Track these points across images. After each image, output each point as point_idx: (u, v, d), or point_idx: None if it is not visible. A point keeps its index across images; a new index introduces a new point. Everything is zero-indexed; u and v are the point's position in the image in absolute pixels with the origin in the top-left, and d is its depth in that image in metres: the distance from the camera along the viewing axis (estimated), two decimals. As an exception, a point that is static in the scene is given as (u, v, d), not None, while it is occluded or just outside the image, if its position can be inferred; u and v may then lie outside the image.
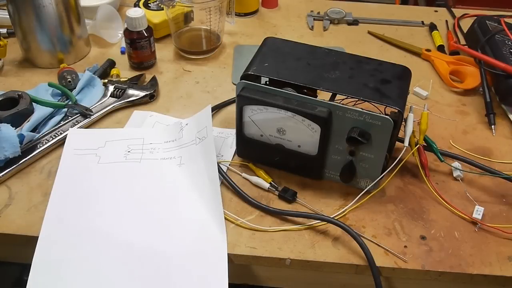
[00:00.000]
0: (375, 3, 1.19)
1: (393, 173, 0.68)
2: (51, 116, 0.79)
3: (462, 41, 1.03)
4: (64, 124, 0.78)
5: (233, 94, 0.71)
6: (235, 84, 0.67)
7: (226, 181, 0.70)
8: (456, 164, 0.73)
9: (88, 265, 0.60)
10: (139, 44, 0.88)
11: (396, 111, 0.64)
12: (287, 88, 0.66)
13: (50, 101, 0.81)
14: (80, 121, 0.79)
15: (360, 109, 0.63)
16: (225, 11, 0.96)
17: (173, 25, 0.94)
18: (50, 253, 0.61)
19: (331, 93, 0.66)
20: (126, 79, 0.88)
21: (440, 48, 1.00)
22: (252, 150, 0.73)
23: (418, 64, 0.97)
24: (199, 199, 0.67)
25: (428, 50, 0.98)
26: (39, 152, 0.73)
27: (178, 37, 0.96)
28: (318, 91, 0.67)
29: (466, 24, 1.04)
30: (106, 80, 0.87)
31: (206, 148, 0.71)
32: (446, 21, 1.10)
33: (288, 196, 0.68)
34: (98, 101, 0.83)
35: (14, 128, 0.72)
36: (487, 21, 0.97)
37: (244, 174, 0.72)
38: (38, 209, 0.66)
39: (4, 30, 0.97)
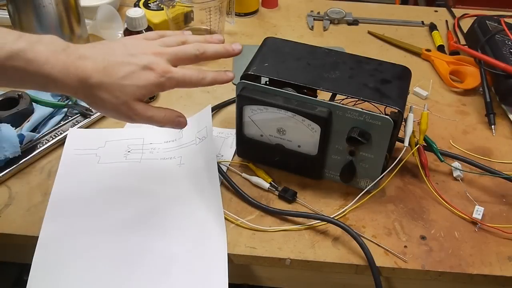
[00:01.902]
0: (375, 3, 1.20)
1: (393, 173, 0.68)
2: (51, 116, 0.79)
3: (462, 41, 1.03)
4: (64, 124, 0.78)
5: (233, 94, 0.71)
6: (235, 84, 0.67)
7: (226, 181, 0.70)
8: (456, 164, 0.73)
9: (88, 265, 0.60)
10: (139, 44, 0.88)
11: (396, 111, 0.64)
12: (287, 88, 0.66)
13: (50, 101, 0.81)
14: (80, 121, 0.79)
15: (360, 109, 0.63)
16: (225, 11, 0.96)
17: (173, 25, 0.94)
18: (50, 253, 0.61)
19: (331, 93, 0.66)
20: (126, 79, 0.88)
21: (440, 48, 1.00)
22: (252, 150, 0.73)
23: (418, 64, 0.97)
24: (199, 199, 0.67)
25: (428, 50, 0.98)
26: (39, 152, 0.73)
27: (178, 37, 0.96)
28: (318, 91, 0.67)
29: (466, 24, 1.04)
30: (106, 80, 0.87)
31: (206, 148, 0.71)
32: (446, 21, 1.10)
33: (288, 196, 0.68)
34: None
35: (14, 128, 0.72)
36: (487, 21, 0.97)
37: (244, 174, 0.72)
38: (38, 209, 0.66)
39: (4, 30, 0.97)
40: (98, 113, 0.80)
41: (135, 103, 0.56)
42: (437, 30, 1.05)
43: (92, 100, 0.56)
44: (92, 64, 0.54)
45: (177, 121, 0.61)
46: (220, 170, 0.71)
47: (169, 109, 0.61)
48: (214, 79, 0.61)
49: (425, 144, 0.72)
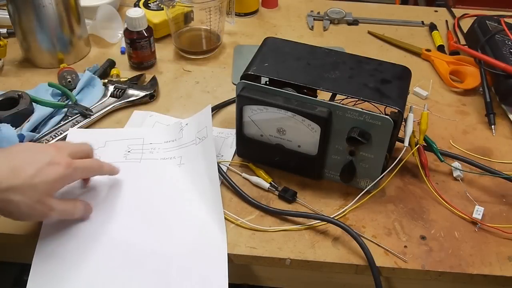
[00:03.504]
0: (375, 3, 1.19)
1: (393, 173, 0.68)
2: (51, 116, 0.79)
3: (462, 41, 1.03)
4: (64, 124, 0.78)
5: (233, 94, 0.71)
6: (235, 84, 0.67)
7: (226, 181, 0.70)
8: (456, 164, 0.73)
9: (88, 265, 0.60)
10: (139, 44, 0.88)
11: (396, 111, 0.64)
12: (287, 88, 0.66)
13: (50, 101, 0.81)
14: (80, 121, 0.79)
15: (360, 109, 0.63)
16: (225, 11, 0.96)
17: (173, 25, 0.94)
18: (50, 253, 0.61)
19: (331, 93, 0.66)
20: (126, 79, 0.88)
21: (440, 48, 1.00)
22: (252, 150, 0.73)
23: (418, 64, 0.97)
24: (199, 199, 0.67)
25: (428, 50, 0.98)
26: (39, 152, 0.73)
27: (178, 37, 0.96)
28: (318, 91, 0.67)
29: (466, 24, 1.04)
30: (106, 80, 0.87)
31: (206, 148, 0.71)
32: (446, 21, 1.10)
33: (288, 196, 0.68)
34: (98, 101, 0.83)
35: (14, 128, 0.72)
36: (487, 21, 0.97)
37: (244, 174, 0.72)
38: (38, 209, 0.66)
39: (4, 30, 0.97)
40: (98, 113, 0.80)
41: (49, 199, 0.57)
42: (437, 30, 1.05)
43: (4, 205, 0.55)
44: None
45: (86, 210, 0.64)
46: (220, 170, 0.71)
47: (76, 200, 0.64)
48: (110, 170, 0.66)
49: (425, 144, 0.72)
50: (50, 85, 0.83)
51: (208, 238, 0.63)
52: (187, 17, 0.95)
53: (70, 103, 0.81)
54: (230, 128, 0.79)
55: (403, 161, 0.67)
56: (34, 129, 0.76)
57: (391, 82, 0.67)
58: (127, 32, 0.88)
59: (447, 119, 0.83)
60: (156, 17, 0.97)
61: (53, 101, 0.81)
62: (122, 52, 0.96)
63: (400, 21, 1.09)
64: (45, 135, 0.76)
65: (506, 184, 0.71)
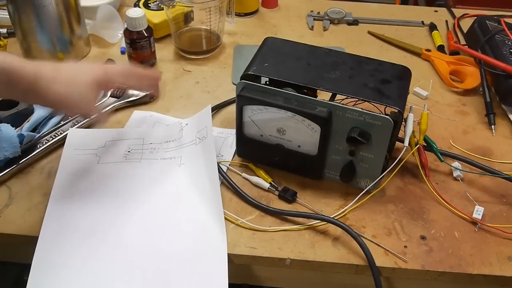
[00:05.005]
0: (375, 3, 1.19)
1: (393, 173, 0.68)
2: (51, 116, 0.79)
3: (462, 41, 1.03)
4: (64, 124, 0.78)
5: (233, 94, 0.71)
6: (235, 84, 0.67)
7: (226, 181, 0.70)
8: (456, 164, 0.73)
9: (88, 265, 0.60)
10: (139, 44, 0.88)
11: (396, 111, 0.64)
12: (287, 88, 0.66)
13: (50, 101, 0.80)
14: (80, 121, 0.79)
15: (360, 109, 0.63)
16: (225, 11, 0.96)
17: (173, 25, 0.94)
18: (50, 253, 0.61)
19: (331, 93, 0.66)
20: (126, 79, 0.88)
21: (440, 48, 1.00)
22: (252, 150, 0.73)
23: (418, 64, 0.97)
24: (199, 199, 0.67)
25: (428, 50, 0.98)
26: (39, 152, 0.73)
27: (178, 37, 0.96)
28: (318, 91, 0.67)
29: (466, 24, 1.04)
30: (106, 80, 0.87)
31: (206, 148, 0.71)
32: (446, 21, 1.10)
33: (288, 196, 0.68)
34: (98, 101, 0.83)
35: (14, 128, 0.72)
36: (487, 21, 0.97)
37: (244, 174, 0.72)
38: (38, 209, 0.66)
39: (4, 30, 0.97)
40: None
41: (88, 92, 0.64)
42: (437, 30, 1.05)
43: (47, 92, 0.61)
44: (42, 64, 0.62)
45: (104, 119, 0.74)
46: (220, 170, 0.71)
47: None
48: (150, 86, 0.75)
49: (425, 144, 0.72)
50: (50, 85, 0.83)
51: (208, 238, 0.63)
52: (187, 17, 0.95)
53: (70, 103, 0.81)
54: (230, 128, 0.79)
55: (403, 161, 0.67)
56: (34, 129, 0.76)
57: (391, 82, 0.67)
58: (127, 32, 0.88)
59: (447, 119, 0.83)
60: (156, 17, 0.97)
61: (53, 101, 0.81)
62: (122, 52, 0.96)
63: (400, 21, 1.09)
64: (45, 135, 0.76)
65: (506, 184, 0.71)
